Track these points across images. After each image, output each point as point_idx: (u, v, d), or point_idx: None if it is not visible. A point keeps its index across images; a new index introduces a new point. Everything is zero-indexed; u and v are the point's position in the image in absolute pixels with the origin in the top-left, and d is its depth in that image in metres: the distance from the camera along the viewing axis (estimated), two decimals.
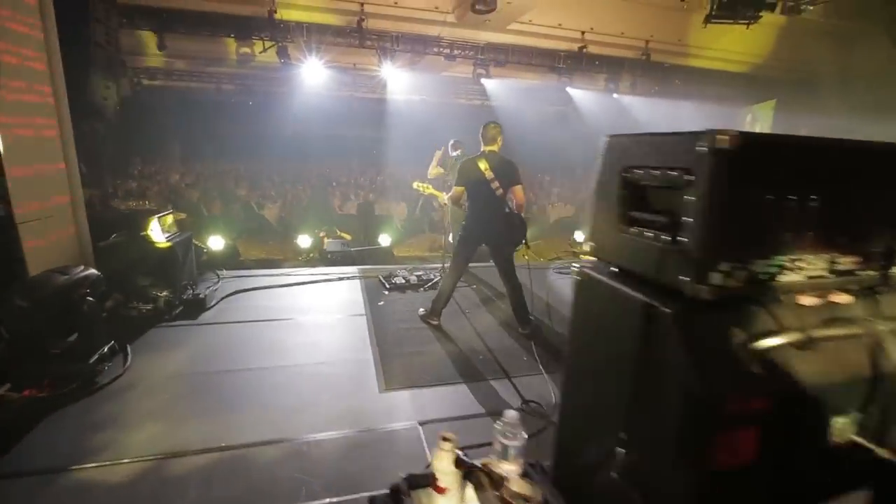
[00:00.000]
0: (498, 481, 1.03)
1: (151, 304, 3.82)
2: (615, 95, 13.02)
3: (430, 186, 4.31)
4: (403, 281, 4.88)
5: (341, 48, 10.14)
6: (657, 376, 0.79)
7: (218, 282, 4.76)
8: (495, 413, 2.71)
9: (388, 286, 4.80)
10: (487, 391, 2.96)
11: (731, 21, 6.55)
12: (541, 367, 3.23)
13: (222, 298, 4.30)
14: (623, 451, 0.87)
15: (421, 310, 4.11)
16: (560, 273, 5.80)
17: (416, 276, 5.06)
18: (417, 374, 3.07)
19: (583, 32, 10.79)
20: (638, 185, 0.89)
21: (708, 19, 6.65)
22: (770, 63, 11.57)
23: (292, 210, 10.97)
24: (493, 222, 3.64)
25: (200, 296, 4.02)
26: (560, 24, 10.72)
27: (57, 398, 2.62)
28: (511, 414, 1.22)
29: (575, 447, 1.09)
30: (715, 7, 6.39)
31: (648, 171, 0.86)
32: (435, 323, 3.91)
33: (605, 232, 0.97)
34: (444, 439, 1.07)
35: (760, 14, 6.24)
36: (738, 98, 13.00)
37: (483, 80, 11.49)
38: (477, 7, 7.89)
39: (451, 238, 7.14)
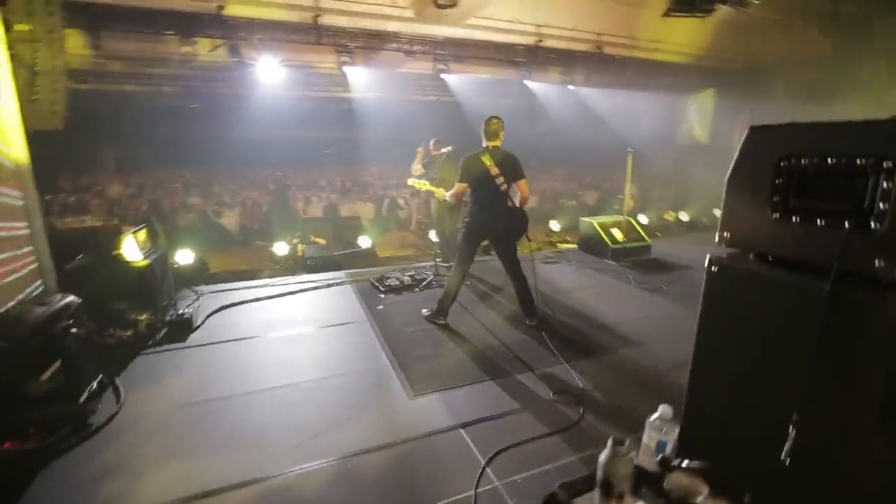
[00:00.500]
0: (689, 490, 0.98)
1: (131, 330, 3.47)
2: (571, 87, 13.36)
3: (427, 183, 4.20)
4: (398, 282, 4.74)
5: (297, 45, 9.73)
6: (847, 362, 0.78)
7: (197, 299, 4.40)
8: (530, 407, 2.68)
9: (382, 289, 4.65)
10: (515, 386, 2.92)
11: (688, 14, 6.87)
12: (560, 358, 3.24)
13: (208, 316, 3.98)
14: (794, 434, 0.85)
15: (424, 310, 4.02)
16: (548, 262, 5.89)
17: (409, 276, 4.95)
18: (442, 377, 2.98)
19: (538, 26, 10.99)
20: (801, 173, 0.88)
21: (667, 13, 6.93)
22: (710, 55, 12.29)
23: (253, 217, 10.44)
24: (498, 217, 3.61)
25: (185, 315, 3.70)
26: (516, 19, 10.88)
27: (47, 448, 2.30)
28: (665, 409, 1.17)
29: (718, 442, 1.07)
30: (673, 1, 6.67)
31: (820, 159, 0.84)
32: (442, 322, 3.83)
33: (749, 221, 0.95)
34: (618, 443, 1.01)
35: (715, 7, 6.58)
36: (683, 87, 13.74)
37: (445, 76, 11.39)
38: (440, 1, 7.85)
39: (434, 236, 7.06)
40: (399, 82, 14.44)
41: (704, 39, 11.89)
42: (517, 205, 3.66)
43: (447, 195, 3.88)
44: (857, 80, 8.34)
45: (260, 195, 11.55)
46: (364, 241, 6.49)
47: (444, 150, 4.67)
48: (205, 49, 11.53)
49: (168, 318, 3.67)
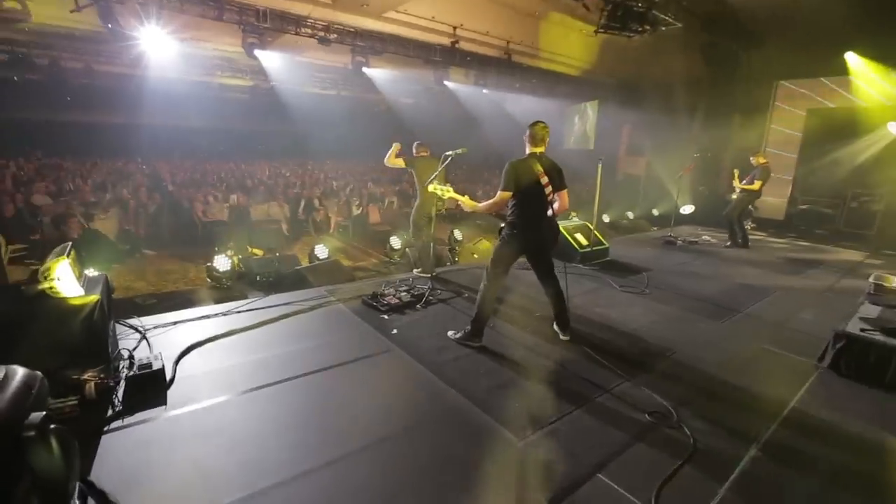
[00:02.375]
0: None
1: (75, 398, 2.39)
2: (485, 91, 13.78)
3: (451, 189, 3.69)
4: (397, 300, 4.16)
5: (194, 19, 8.22)
6: None
7: (143, 338, 3.27)
8: (639, 435, 2.49)
9: (382, 308, 4.03)
10: (605, 411, 2.71)
11: (618, 33, 7.41)
12: (622, 374, 3.12)
13: (176, 362, 2.96)
14: None
15: (452, 332, 3.57)
16: (521, 269, 5.78)
17: (405, 291, 4.39)
18: (531, 412, 2.62)
19: (454, 28, 11.08)
20: None
21: (599, 30, 7.38)
22: (597, 69, 13.72)
23: (138, 220, 8.48)
24: (543, 228, 3.36)
25: (153, 366, 2.68)
26: (434, 17, 10.82)
27: None
28: None
29: None
30: (606, 19, 7.12)
31: None
32: (478, 345, 3.43)
33: None
34: None
35: (644, 29, 7.20)
36: (576, 96, 15.13)
37: (366, 70, 10.70)
38: None
39: (396, 243, 6.47)
40: (299, 73, 13.27)
41: (592, 55, 13.16)
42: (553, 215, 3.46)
43: (481, 206, 3.44)
44: (729, 101, 10.01)
45: (148, 195, 9.45)
46: (321, 251, 5.63)
47: (450, 152, 4.21)
48: (48, 8, 9.21)
49: (128, 373, 2.62)
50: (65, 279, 2.42)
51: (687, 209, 10.27)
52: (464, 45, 11.62)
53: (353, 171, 18.06)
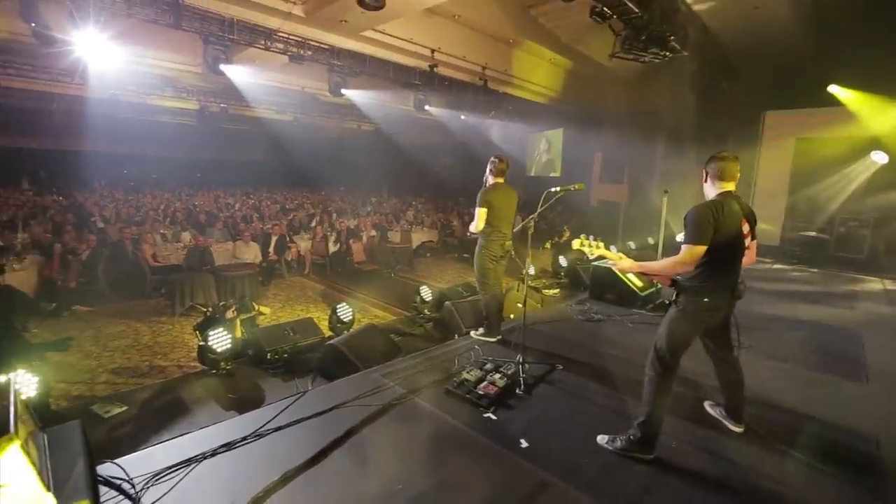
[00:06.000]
0: None
1: None
2: (462, 117, 13.26)
3: (601, 245, 2.66)
4: (493, 386, 3.03)
5: (135, 25, 6.84)
6: None
7: None
8: None
9: (477, 402, 2.88)
10: None
11: (633, 59, 7.02)
12: (867, 494, 2.26)
13: None
14: None
15: (604, 439, 2.52)
16: (589, 321, 4.86)
17: (490, 367, 3.27)
18: None
19: (432, 51, 10.50)
20: None
21: (614, 55, 6.95)
22: (566, 98, 13.67)
23: (68, 269, 6.63)
24: (735, 293, 2.47)
25: None
26: (412, 39, 10.18)
27: None
28: None
29: None
30: (622, 44, 6.70)
31: None
32: (650, 457, 2.42)
33: None
34: None
35: (663, 55, 6.85)
36: (547, 123, 15.06)
37: (345, 92, 9.66)
38: (367, 1, 6.55)
39: (425, 295, 5.27)
40: (254, 96, 12.02)
41: (560, 83, 13.13)
42: None
43: (653, 266, 2.45)
44: (717, 131, 10.05)
45: (72, 235, 7.51)
46: (345, 312, 4.34)
47: (556, 188, 3.22)
48: None
49: None
50: (19, 480, 1.11)
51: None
52: (442, 70, 11.06)
53: (311, 200, 16.57)
